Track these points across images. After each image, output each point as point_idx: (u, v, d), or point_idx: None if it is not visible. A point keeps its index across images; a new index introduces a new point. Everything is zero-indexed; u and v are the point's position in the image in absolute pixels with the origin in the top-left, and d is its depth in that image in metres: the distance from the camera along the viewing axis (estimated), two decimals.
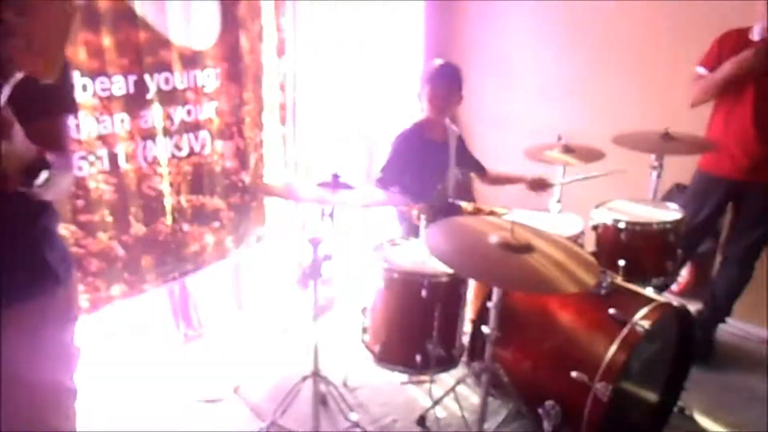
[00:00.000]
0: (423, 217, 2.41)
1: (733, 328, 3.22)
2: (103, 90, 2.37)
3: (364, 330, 2.45)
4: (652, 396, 2.42)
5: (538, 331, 2.30)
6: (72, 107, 1.30)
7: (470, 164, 3.15)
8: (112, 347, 2.76)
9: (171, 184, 2.73)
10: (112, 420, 2.50)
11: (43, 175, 1.08)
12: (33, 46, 0.98)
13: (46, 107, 1.19)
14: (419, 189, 2.78)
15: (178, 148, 2.72)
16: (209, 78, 2.77)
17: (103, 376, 2.72)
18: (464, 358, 2.44)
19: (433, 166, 2.91)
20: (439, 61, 2.80)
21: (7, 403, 1.32)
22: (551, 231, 2.07)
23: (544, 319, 2.30)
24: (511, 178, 3.15)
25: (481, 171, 3.18)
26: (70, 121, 1.31)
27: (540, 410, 1.98)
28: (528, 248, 1.84)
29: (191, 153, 2.78)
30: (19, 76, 0.98)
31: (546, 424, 1.96)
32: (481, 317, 2.32)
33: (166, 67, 2.58)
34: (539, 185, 3.03)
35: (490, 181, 3.22)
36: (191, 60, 2.67)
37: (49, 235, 1.32)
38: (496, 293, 2.00)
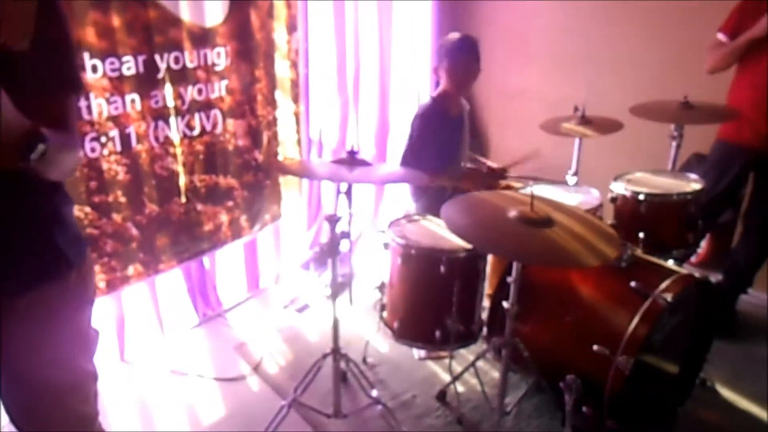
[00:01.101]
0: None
1: (754, 298, 3.18)
2: (113, 70, 2.34)
3: (383, 307, 2.44)
4: (673, 368, 2.39)
5: (558, 305, 2.28)
6: (75, 86, 1.26)
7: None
8: (130, 328, 2.78)
9: (184, 164, 2.71)
10: (133, 400, 2.53)
11: (39, 149, 1.04)
12: None
13: (45, 84, 1.16)
14: (440, 165, 2.74)
15: (190, 127, 2.70)
16: (220, 56, 2.73)
17: (123, 358, 2.76)
18: (483, 333, 2.43)
19: (454, 141, 2.87)
20: (456, 35, 2.73)
21: (29, 389, 1.33)
22: (570, 204, 2.04)
23: (565, 292, 2.28)
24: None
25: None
26: (78, 101, 1.26)
27: (561, 384, 1.96)
28: (548, 222, 1.81)
29: (203, 132, 2.76)
30: None
31: (567, 398, 1.95)
32: (499, 292, 2.30)
33: (176, 45, 2.55)
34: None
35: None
36: (201, 38, 2.64)
37: (60, 218, 1.30)
38: (515, 268, 1.98)
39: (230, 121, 2.87)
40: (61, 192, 1.30)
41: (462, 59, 2.70)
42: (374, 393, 2.40)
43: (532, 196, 1.84)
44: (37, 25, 1.12)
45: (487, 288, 2.48)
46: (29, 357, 1.30)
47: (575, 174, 2.98)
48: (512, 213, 1.83)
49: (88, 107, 2.29)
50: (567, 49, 3.80)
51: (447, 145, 2.81)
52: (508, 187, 2.97)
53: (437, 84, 2.83)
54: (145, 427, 2.40)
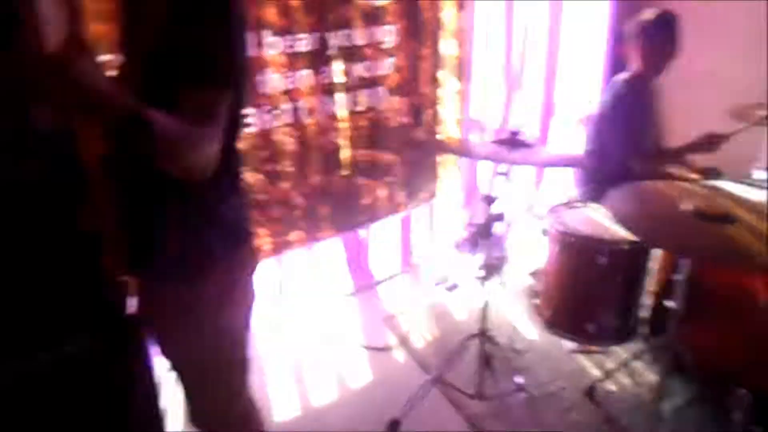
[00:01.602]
0: None
1: None
2: (289, 47, 2.48)
3: (536, 293, 2.38)
4: None
5: (732, 311, 2.08)
6: (216, 79, 1.15)
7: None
8: (287, 296, 2.96)
9: (348, 138, 2.82)
10: (287, 363, 2.70)
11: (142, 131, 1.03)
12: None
13: (184, 72, 1.12)
14: (630, 151, 2.54)
15: (356, 103, 2.79)
16: (388, 34, 2.79)
17: (278, 323, 2.94)
18: (642, 333, 2.28)
19: (640, 129, 2.65)
20: (653, 11, 2.51)
21: (182, 381, 1.40)
22: (756, 200, 1.83)
23: (742, 297, 2.06)
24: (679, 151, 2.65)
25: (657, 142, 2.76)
26: (225, 96, 1.16)
27: (729, 398, 1.79)
28: (726, 217, 1.65)
29: (368, 108, 2.84)
30: None
31: (736, 414, 1.78)
32: (665, 291, 2.15)
33: (348, 23, 2.63)
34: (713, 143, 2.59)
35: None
36: (372, 16, 2.70)
37: (216, 217, 1.29)
38: (684, 265, 1.83)
39: (394, 99, 2.92)
40: (217, 191, 1.27)
41: (659, 39, 2.47)
42: (519, 379, 2.36)
43: (711, 189, 1.69)
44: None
45: (653, 285, 2.32)
46: (174, 349, 1.36)
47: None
48: (686, 206, 1.69)
49: (265, 82, 2.45)
50: (762, 30, 3.38)
51: (637, 131, 2.57)
52: (683, 179, 2.73)
53: (614, 65, 2.64)
54: (299, 388, 2.54)
